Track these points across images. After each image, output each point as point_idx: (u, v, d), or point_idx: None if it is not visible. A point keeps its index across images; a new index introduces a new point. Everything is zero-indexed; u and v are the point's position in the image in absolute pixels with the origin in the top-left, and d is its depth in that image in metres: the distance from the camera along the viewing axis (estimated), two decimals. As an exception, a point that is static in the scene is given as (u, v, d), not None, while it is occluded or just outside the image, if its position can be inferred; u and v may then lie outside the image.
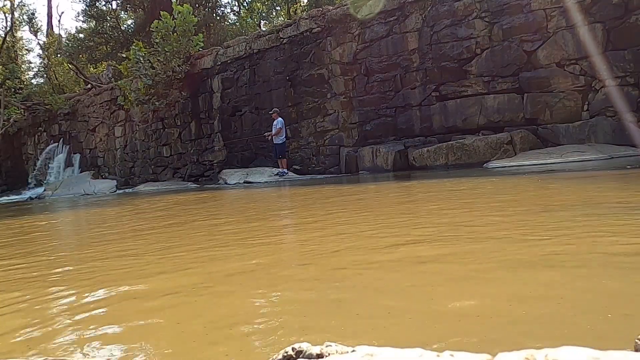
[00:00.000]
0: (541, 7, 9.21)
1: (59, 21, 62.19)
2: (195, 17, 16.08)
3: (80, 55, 26.94)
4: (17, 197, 19.41)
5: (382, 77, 11.39)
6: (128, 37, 24.79)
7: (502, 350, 0.76)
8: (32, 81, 32.85)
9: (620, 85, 8.43)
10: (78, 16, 37.90)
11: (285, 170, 12.25)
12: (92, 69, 28.10)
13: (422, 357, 0.75)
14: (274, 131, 12.45)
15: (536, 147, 9.01)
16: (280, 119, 12.48)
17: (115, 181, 17.32)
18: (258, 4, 23.46)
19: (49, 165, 21.93)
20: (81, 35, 28.08)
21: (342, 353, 0.83)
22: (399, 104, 11.15)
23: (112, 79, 22.50)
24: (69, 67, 26.13)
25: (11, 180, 24.86)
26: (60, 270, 2.93)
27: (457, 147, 9.43)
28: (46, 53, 29.40)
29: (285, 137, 12.50)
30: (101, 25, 26.20)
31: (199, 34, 16.30)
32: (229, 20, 25.90)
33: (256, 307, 1.80)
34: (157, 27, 15.44)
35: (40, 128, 23.89)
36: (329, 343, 0.88)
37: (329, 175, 11.65)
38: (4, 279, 2.78)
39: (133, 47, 16.33)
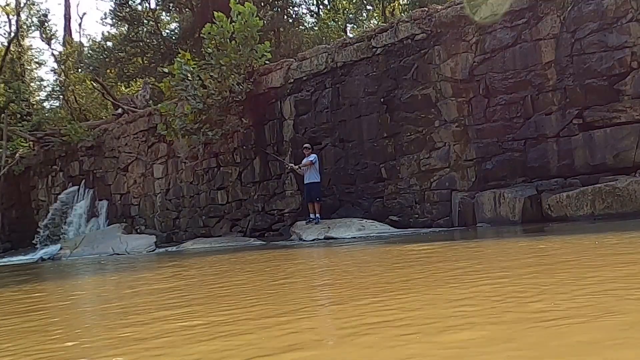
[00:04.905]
0: None
1: (80, 25, 67.42)
2: (260, 19, 18.06)
3: (108, 70, 29.66)
4: (24, 257, 21.99)
5: (508, 99, 12.93)
6: (171, 45, 27.31)
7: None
8: (44, 104, 36.12)
9: None
10: (105, 18, 41.14)
11: (319, 217, 15.10)
12: (123, 88, 30.65)
13: None
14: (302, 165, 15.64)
15: None
16: (314, 155, 15.52)
17: (154, 237, 19.88)
18: (343, 2, 25.00)
19: (67, 215, 24.73)
20: (109, 44, 31.49)
21: None
22: (529, 134, 12.63)
23: (150, 101, 25.03)
24: (93, 86, 28.98)
25: (17, 236, 27.89)
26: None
27: (607, 192, 10.67)
28: (63, 67, 32.89)
29: (320, 176, 15.33)
30: (135, 31, 29.19)
31: (265, 42, 18.39)
32: (305, 24, 27.84)
33: None
34: (209, 33, 17.53)
35: (54, 167, 26.97)
36: None
37: (437, 229, 13.15)
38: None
39: (178, 59, 18.49)
